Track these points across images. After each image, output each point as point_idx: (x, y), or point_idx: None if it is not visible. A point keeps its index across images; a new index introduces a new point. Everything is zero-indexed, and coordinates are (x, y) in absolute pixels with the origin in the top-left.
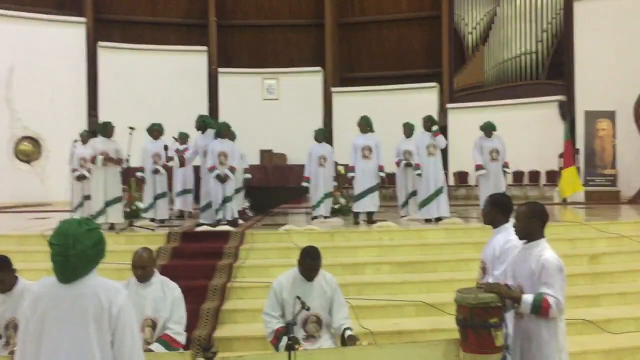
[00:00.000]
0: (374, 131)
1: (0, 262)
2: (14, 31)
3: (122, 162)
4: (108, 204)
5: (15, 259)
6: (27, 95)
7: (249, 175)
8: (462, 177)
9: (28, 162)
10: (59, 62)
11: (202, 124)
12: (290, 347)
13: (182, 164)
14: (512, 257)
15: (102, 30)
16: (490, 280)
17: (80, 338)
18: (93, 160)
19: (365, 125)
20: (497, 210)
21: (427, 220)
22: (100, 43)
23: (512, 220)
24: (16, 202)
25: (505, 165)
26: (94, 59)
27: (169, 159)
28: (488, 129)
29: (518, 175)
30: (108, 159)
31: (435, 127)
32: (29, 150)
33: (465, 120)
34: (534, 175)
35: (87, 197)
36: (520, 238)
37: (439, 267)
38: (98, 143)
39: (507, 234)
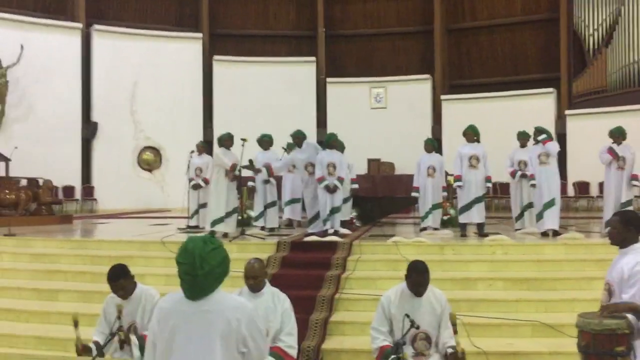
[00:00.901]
0: (480, 141)
1: (119, 270)
2: (138, 47)
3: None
4: (228, 214)
5: (138, 264)
6: (149, 108)
7: (356, 186)
8: (582, 187)
9: (150, 170)
10: (177, 76)
11: (301, 139)
12: None
13: (270, 174)
14: None
15: (217, 45)
16: None
17: (207, 354)
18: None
19: (473, 134)
20: (629, 229)
21: (544, 235)
22: (215, 57)
23: None
24: (138, 208)
25: (635, 177)
26: (209, 72)
27: (257, 170)
28: (618, 135)
29: None
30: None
31: (542, 136)
32: (150, 159)
33: (585, 127)
34: None
35: (202, 205)
36: None
37: (557, 285)
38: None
39: (636, 254)
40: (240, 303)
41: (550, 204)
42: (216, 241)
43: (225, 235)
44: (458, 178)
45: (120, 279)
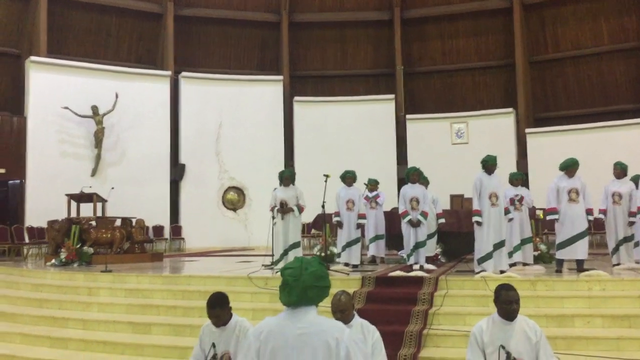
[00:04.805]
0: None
1: (218, 299)
2: (222, 92)
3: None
4: (287, 250)
5: None
6: (232, 149)
7: (442, 220)
8: None
9: (234, 209)
10: (260, 117)
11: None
12: None
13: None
14: None
15: (296, 86)
16: None
17: None
18: (272, 209)
19: (573, 168)
20: None
21: None
22: (296, 98)
23: None
24: (223, 247)
25: None
26: (290, 112)
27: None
28: None
29: None
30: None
31: None
32: (234, 199)
33: None
34: None
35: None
36: None
37: None
38: (278, 192)
39: None
40: (338, 324)
41: None
42: (320, 260)
43: None
44: (553, 210)
45: (217, 308)
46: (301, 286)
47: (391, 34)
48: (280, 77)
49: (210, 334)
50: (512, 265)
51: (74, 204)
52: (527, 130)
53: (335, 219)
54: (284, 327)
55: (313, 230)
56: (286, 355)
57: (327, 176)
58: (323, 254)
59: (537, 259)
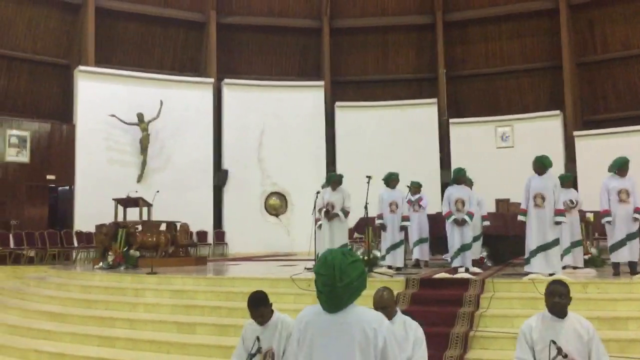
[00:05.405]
0: None
1: (261, 298)
2: (264, 98)
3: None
4: None
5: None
6: (275, 155)
7: (487, 223)
8: None
9: (276, 215)
10: (301, 123)
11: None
12: None
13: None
14: None
15: (338, 91)
16: None
17: None
18: (319, 210)
19: (624, 167)
20: None
21: None
22: (337, 103)
23: None
24: (266, 252)
25: None
26: (331, 117)
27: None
28: None
29: None
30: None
31: None
32: (277, 204)
33: None
34: None
35: None
36: None
37: None
38: (326, 194)
39: None
40: (377, 315)
41: None
42: (355, 255)
43: None
44: (606, 213)
45: (261, 307)
46: (336, 299)
47: (433, 38)
48: (322, 83)
49: (253, 332)
50: (563, 268)
51: (120, 208)
52: (576, 133)
53: (378, 222)
54: (323, 315)
55: (355, 235)
56: (324, 343)
57: (369, 177)
58: (366, 258)
59: (588, 263)
